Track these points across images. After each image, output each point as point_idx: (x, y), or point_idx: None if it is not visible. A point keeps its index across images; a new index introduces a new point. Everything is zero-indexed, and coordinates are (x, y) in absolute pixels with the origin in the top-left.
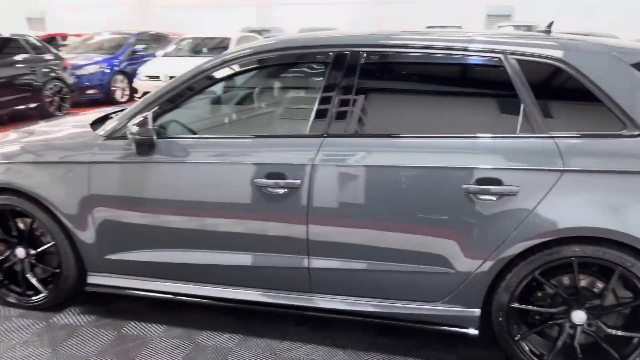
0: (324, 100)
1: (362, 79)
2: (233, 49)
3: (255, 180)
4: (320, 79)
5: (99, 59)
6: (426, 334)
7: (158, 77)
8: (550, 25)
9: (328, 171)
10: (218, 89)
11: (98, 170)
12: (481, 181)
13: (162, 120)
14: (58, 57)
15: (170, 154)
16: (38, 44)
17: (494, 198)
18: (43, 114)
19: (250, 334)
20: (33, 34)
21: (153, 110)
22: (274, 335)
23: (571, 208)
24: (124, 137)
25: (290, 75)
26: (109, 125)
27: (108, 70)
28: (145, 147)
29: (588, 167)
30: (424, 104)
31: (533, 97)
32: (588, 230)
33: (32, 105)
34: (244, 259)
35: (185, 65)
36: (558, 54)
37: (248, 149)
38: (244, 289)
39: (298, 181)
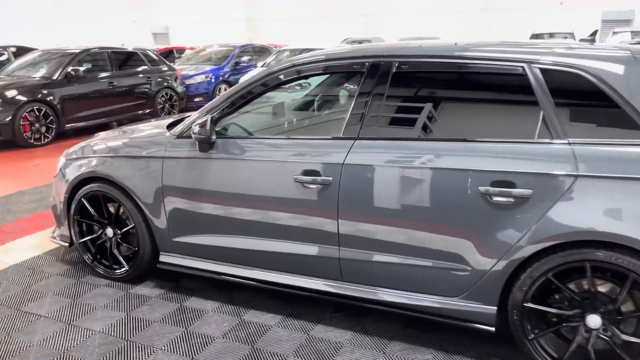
0: (358, 106)
1: (393, 86)
2: (283, 62)
3: (295, 176)
4: (355, 86)
5: (206, 69)
6: (450, 329)
7: None
8: (594, 34)
9: (356, 170)
10: (271, 95)
11: (168, 164)
12: (496, 184)
13: (224, 122)
14: (171, 69)
15: (226, 151)
16: (154, 57)
17: (508, 200)
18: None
19: (290, 316)
20: (152, 48)
21: (212, 114)
22: (310, 319)
23: (584, 212)
24: (189, 137)
25: (331, 82)
26: (179, 127)
27: (213, 80)
28: (205, 145)
29: (602, 172)
30: (449, 110)
31: (553, 104)
32: (599, 235)
33: (147, 110)
34: (288, 246)
35: None
36: (579, 62)
37: (288, 148)
38: (286, 274)
39: (330, 178)
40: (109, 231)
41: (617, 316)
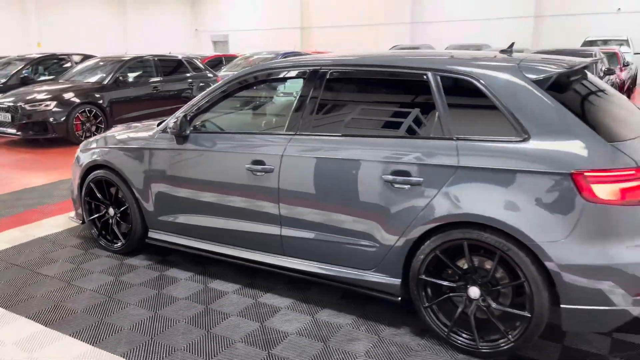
0: (298, 106)
1: (325, 90)
2: (248, 68)
3: (245, 166)
4: (298, 90)
5: None
6: (376, 301)
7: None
8: (511, 46)
9: (291, 161)
10: (237, 97)
11: (153, 155)
12: (396, 172)
13: (200, 119)
14: (213, 74)
15: (197, 143)
16: (198, 64)
17: (404, 187)
18: None
19: (247, 286)
20: (198, 55)
21: (186, 113)
22: (262, 289)
23: (462, 198)
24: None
25: (281, 86)
26: (164, 123)
27: None
28: (180, 138)
29: (478, 164)
30: (366, 110)
31: (446, 106)
32: (473, 217)
33: None
34: (244, 225)
35: None
36: (470, 70)
37: (243, 141)
38: (244, 249)
39: (272, 167)
40: (111, 211)
41: (491, 288)
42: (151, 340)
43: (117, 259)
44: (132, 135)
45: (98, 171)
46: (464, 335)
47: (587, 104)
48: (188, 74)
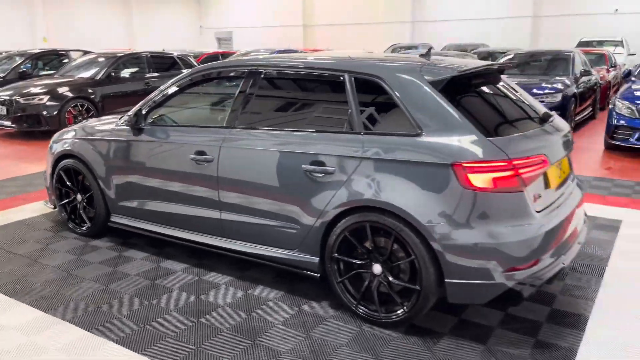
0: (236, 102)
1: (259, 88)
2: (198, 67)
3: (189, 156)
4: (237, 88)
5: None
6: (307, 280)
7: None
8: (429, 50)
9: (228, 151)
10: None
11: (113, 145)
12: (313, 162)
13: (156, 113)
14: None
15: (151, 135)
16: (192, 61)
17: (320, 175)
18: None
19: (196, 266)
20: (199, 52)
21: (141, 107)
22: (206, 268)
23: (364, 185)
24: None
25: (223, 84)
26: (125, 117)
27: None
28: (136, 130)
29: (377, 156)
30: (291, 106)
31: (357, 103)
32: (373, 202)
33: None
34: (191, 210)
35: None
36: (377, 72)
37: (189, 134)
38: (191, 232)
39: (212, 157)
40: (79, 197)
41: (390, 265)
42: (97, 310)
43: (83, 240)
44: (97, 127)
45: (67, 160)
46: (369, 307)
47: (478, 103)
48: (179, 70)
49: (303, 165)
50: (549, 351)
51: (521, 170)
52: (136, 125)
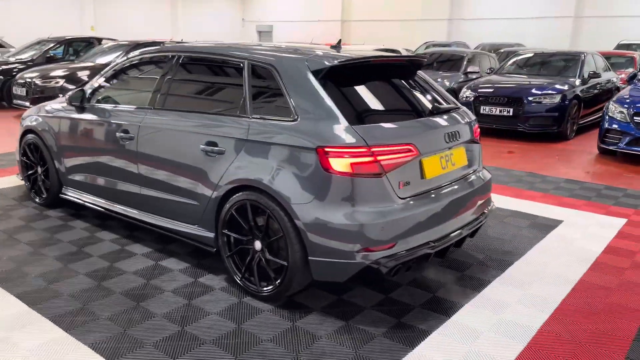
0: (157, 85)
1: (176, 72)
2: (134, 53)
3: (116, 134)
4: (160, 73)
5: None
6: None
7: None
8: (339, 42)
9: (145, 130)
10: (125, 75)
11: (62, 123)
12: (208, 143)
13: (99, 93)
14: None
15: (91, 113)
16: None
17: (214, 155)
18: None
19: (135, 242)
20: None
21: (84, 87)
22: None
23: (245, 166)
24: None
25: (153, 68)
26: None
27: None
28: (79, 108)
29: (258, 138)
30: (197, 90)
31: (251, 89)
32: (251, 182)
33: None
34: (119, 184)
35: None
36: (269, 60)
37: (119, 113)
38: (119, 205)
39: (133, 135)
40: (39, 169)
41: (267, 241)
42: (18, 269)
43: (40, 209)
44: (53, 105)
45: (29, 135)
46: (250, 280)
47: (357, 92)
48: None
49: (201, 145)
50: (403, 331)
51: (380, 157)
52: (79, 104)
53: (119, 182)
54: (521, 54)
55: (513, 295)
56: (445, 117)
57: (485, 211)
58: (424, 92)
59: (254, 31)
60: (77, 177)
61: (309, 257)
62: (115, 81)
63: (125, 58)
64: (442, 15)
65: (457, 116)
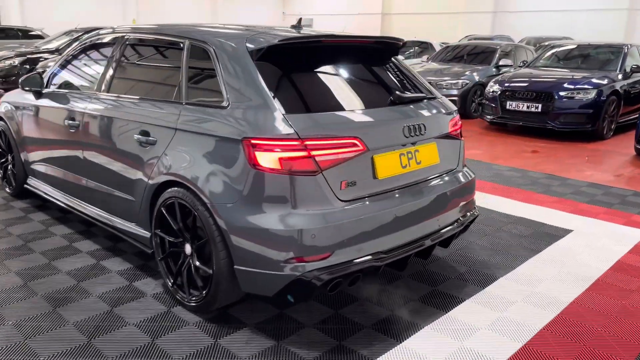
0: (105, 68)
1: (120, 55)
2: (89, 35)
3: (65, 121)
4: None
5: None
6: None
7: None
8: (299, 22)
9: (87, 117)
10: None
11: (21, 110)
12: (141, 132)
13: (54, 77)
14: None
15: (47, 99)
16: None
17: (147, 146)
18: None
19: (83, 233)
20: None
21: (40, 72)
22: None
23: (174, 159)
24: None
25: (102, 52)
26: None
27: None
28: (37, 94)
29: (187, 128)
30: (137, 73)
31: (187, 72)
32: (178, 177)
33: None
34: (69, 175)
35: None
36: (206, 38)
37: (69, 99)
38: (69, 196)
39: (78, 122)
40: (9, 158)
41: (195, 245)
42: None
43: (8, 200)
44: (18, 92)
45: (0, 123)
46: (182, 288)
47: (300, 77)
48: None
49: (135, 135)
50: (340, 357)
51: (315, 152)
52: (37, 89)
53: (70, 173)
54: (558, 46)
55: (485, 318)
56: (408, 107)
57: (463, 217)
58: (392, 79)
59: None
60: (37, 167)
61: (235, 266)
62: (70, 65)
63: (79, 41)
64: (487, 8)
65: (426, 107)
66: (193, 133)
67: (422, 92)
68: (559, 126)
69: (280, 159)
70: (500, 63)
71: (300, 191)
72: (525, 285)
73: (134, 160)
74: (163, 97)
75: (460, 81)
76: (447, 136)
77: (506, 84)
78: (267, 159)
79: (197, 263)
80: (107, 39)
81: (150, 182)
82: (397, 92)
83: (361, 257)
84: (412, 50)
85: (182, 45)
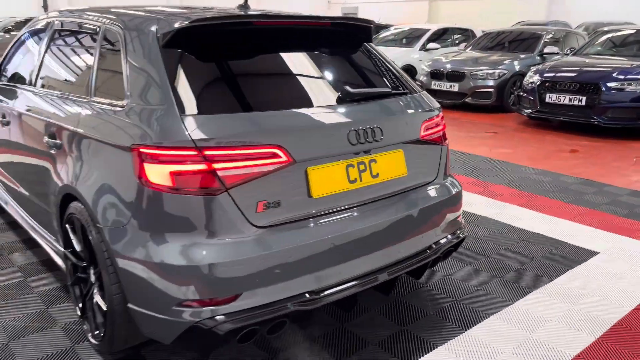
0: (34, 60)
1: (53, 44)
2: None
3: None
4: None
5: None
6: None
7: None
8: (246, 1)
9: (15, 112)
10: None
11: None
12: (50, 134)
13: (10, 70)
14: None
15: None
16: None
17: (53, 150)
18: None
19: None
20: None
21: None
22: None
23: (70, 167)
24: None
25: (37, 41)
26: None
27: None
28: None
29: (83, 131)
30: (59, 65)
31: (98, 63)
32: (69, 189)
33: None
34: (7, 181)
35: None
36: (118, 21)
37: (5, 94)
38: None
39: (9, 120)
40: None
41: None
42: None
43: None
44: None
45: None
46: (89, 321)
47: (218, 69)
48: None
49: (45, 137)
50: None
51: (218, 165)
52: None
53: (8, 176)
54: (610, 32)
55: None
56: (359, 106)
57: (442, 242)
58: (350, 72)
59: (339, 12)
60: None
61: (128, 304)
62: (13, 56)
63: (23, 29)
64: None
65: (388, 105)
66: (89, 138)
67: (387, 87)
68: (606, 122)
69: (172, 174)
70: (546, 51)
71: (197, 215)
72: (520, 329)
73: (46, 166)
74: (73, 93)
75: (497, 71)
76: (421, 141)
77: (546, 74)
78: (157, 173)
79: (98, 295)
80: (39, 26)
81: (58, 192)
82: (346, 88)
83: (282, 300)
84: (450, 39)
85: (97, 30)
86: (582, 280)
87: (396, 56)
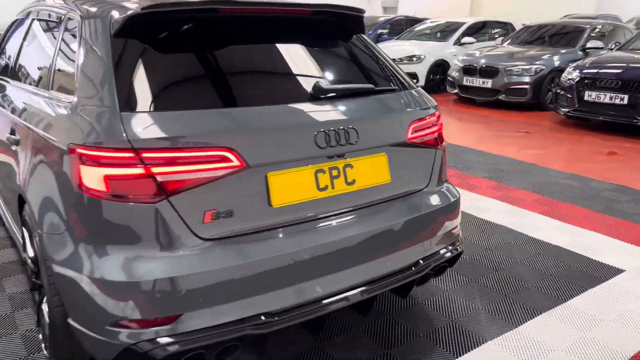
0: (15, 50)
1: (29, 33)
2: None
3: None
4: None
5: None
6: None
7: None
8: None
9: None
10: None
11: None
12: (11, 130)
13: None
14: None
15: None
16: None
17: (13, 147)
18: None
19: None
20: None
21: None
22: None
23: (24, 168)
24: None
25: (20, 32)
26: None
27: None
28: None
29: (33, 126)
30: (28, 55)
31: (59, 52)
32: (22, 192)
33: None
34: None
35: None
36: (76, 9)
37: None
38: None
39: None
40: None
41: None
42: None
43: None
44: None
45: None
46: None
47: (172, 59)
48: None
49: (6, 133)
50: None
51: (157, 169)
52: None
53: None
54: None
55: None
56: (332, 104)
57: (433, 256)
58: (329, 66)
59: (379, 7)
60: None
61: (68, 319)
62: (4, 48)
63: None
64: None
65: (368, 103)
66: (37, 136)
67: (370, 84)
68: None
69: (106, 178)
70: (589, 45)
71: (133, 225)
72: (518, 358)
73: (10, 163)
74: (38, 86)
75: (534, 67)
76: (409, 144)
77: (586, 70)
78: (92, 177)
79: (44, 305)
80: (22, 16)
81: (14, 194)
82: (320, 84)
83: (232, 322)
84: (487, 33)
85: (62, 19)
86: (599, 303)
87: (428, 51)
